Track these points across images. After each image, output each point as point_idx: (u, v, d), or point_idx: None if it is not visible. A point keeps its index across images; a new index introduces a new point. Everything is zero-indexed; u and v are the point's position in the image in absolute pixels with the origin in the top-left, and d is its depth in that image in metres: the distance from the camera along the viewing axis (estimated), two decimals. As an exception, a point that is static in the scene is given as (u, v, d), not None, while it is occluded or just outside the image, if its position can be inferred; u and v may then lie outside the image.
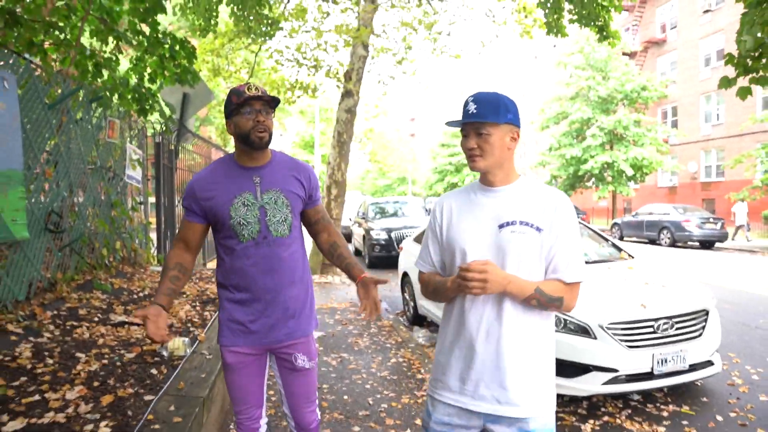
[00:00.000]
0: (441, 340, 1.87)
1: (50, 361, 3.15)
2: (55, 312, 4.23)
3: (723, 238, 18.61)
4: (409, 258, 7.85)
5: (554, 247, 1.73)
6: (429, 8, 14.13)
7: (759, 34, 3.73)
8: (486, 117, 1.68)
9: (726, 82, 4.07)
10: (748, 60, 3.96)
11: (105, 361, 3.25)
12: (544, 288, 1.69)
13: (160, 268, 6.66)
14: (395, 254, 12.56)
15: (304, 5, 11.81)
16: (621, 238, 22.23)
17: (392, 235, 13.61)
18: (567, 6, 7.10)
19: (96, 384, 2.88)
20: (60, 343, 3.52)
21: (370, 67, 15.32)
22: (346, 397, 4.35)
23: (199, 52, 13.09)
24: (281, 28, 9.39)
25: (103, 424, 2.42)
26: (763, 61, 3.89)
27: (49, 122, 4.66)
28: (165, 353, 3.39)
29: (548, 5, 7.11)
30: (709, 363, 4.39)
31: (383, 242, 13.69)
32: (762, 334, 6.44)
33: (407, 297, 7.87)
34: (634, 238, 21.91)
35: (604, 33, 7.13)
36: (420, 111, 71.49)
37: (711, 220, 18.73)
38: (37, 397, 2.64)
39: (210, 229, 2.22)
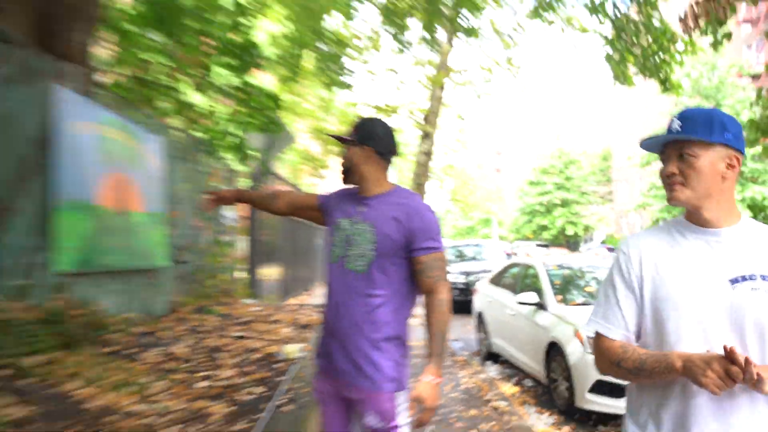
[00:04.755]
0: (649, 419, 1.65)
1: (200, 356, 4.88)
2: (184, 327, 6.02)
3: None
4: (483, 299, 9.37)
5: None
6: (509, 41, 15.81)
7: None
8: (692, 133, 1.56)
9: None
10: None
11: (239, 359, 4.95)
12: None
13: (252, 301, 8.46)
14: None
15: (378, 40, 13.82)
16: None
17: (470, 279, 15.00)
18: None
19: (239, 370, 4.57)
20: (199, 347, 5.26)
21: (447, 102, 17.13)
22: (422, 408, 5.85)
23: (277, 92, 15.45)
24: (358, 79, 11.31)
25: (255, 389, 4.09)
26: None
27: (179, 172, 6.59)
28: (282, 356, 5.06)
29: (613, 61, 8.61)
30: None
31: (461, 286, 15.01)
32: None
33: (481, 336, 9.31)
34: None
35: (666, 85, 8.55)
36: (507, 144, 72.66)
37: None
38: (204, 373, 4.34)
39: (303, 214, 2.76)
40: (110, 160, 5.20)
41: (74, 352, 4.01)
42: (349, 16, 10.92)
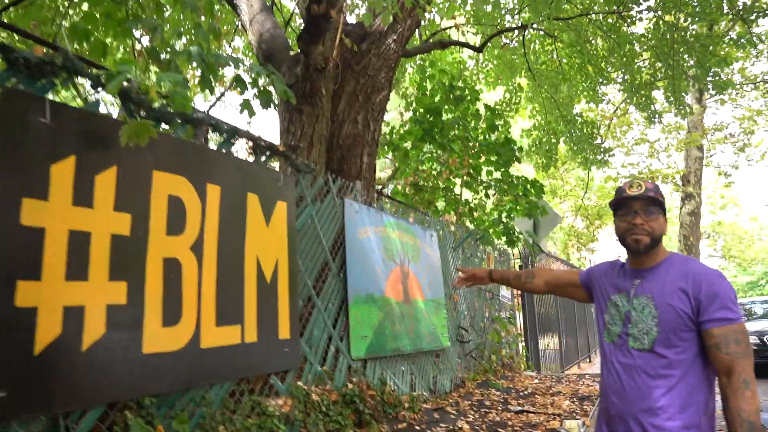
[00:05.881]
0: None
1: (483, 433, 4.42)
2: (468, 402, 5.64)
3: None
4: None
5: None
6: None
7: None
8: None
9: None
10: None
11: (520, 436, 4.39)
12: None
13: (532, 373, 7.80)
14: (772, 360, 11.40)
15: (625, 117, 12.65)
16: None
17: (765, 339, 12.34)
18: None
19: (520, 449, 4.01)
20: (483, 422, 4.82)
21: (707, 159, 14.98)
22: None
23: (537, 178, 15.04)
24: (613, 155, 10.35)
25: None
26: None
27: (454, 260, 6.42)
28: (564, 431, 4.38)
29: None
30: None
31: (756, 348, 12.45)
32: None
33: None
34: None
35: None
36: (784, 191, 61.47)
37: None
38: (486, 452, 3.87)
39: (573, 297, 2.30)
40: (392, 257, 5.22)
41: (368, 429, 3.88)
42: (596, 101, 10.18)
